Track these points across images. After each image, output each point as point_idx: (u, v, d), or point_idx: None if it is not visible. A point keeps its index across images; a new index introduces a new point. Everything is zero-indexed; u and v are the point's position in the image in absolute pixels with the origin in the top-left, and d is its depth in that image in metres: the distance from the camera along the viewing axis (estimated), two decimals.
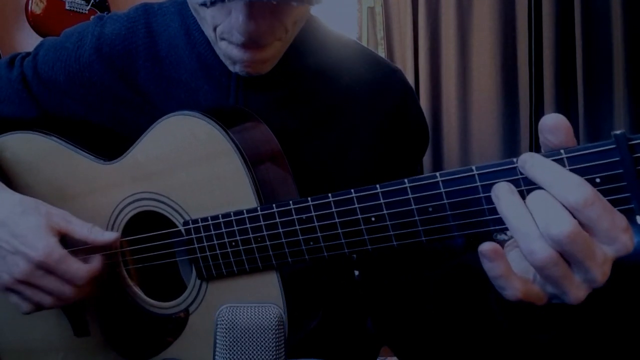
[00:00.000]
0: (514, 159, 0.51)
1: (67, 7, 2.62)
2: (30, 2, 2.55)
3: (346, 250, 0.61)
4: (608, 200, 0.47)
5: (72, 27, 0.90)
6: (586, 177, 0.48)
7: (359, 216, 0.59)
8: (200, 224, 0.71)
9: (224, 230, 0.68)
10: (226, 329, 0.55)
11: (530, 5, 2.92)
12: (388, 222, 0.58)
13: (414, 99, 0.90)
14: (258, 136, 0.74)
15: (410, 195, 0.56)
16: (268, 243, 0.66)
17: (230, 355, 0.55)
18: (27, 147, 0.86)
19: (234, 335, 0.55)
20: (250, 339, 0.55)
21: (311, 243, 0.63)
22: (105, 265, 0.78)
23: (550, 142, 0.50)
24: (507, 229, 0.51)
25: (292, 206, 0.63)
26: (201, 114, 0.71)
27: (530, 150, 2.92)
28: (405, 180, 0.56)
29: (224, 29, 0.70)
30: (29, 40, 2.63)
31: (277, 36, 0.72)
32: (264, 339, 0.54)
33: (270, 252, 0.66)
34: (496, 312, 0.62)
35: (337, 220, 0.61)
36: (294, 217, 0.63)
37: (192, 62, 0.83)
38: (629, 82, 2.72)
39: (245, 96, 0.81)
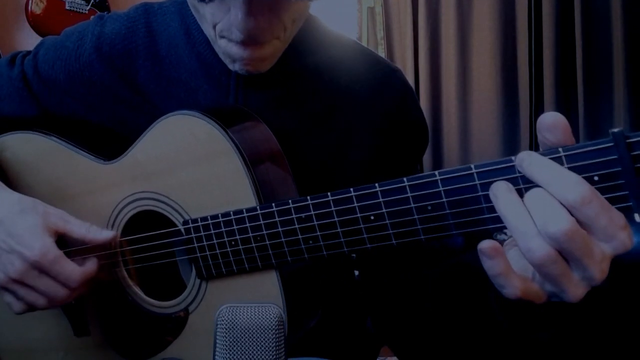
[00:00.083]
0: (513, 158, 0.51)
1: (67, 7, 2.62)
2: (30, 2, 2.55)
3: (345, 249, 0.61)
4: (606, 198, 0.47)
5: (72, 26, 0.90)
6: (584, 175, 0.48)
7: (358, 215, 0.59)
8: (199, 224, 0.71)
9: (223, 229, 0.69)
10: (226, 329, 0.55)
11: (530, 5, 2.93)
12: (387, 221, 0.58)
13: (413, 99, 0.90)
14: (257, 136, 0.74)
15: (409, 194, 0.56)
16: (267, 242, 0.66)
17: (230, 355, 0.55)
18: (27, 147, 0.86)
19: (234, 335, 0.55)
20: (250, 339, 0.55)
21: (310, 242, 0.63)
22: (104, 266, 0.79)
23: (549, 140, 0.50)
24: (506, 227, 0.51)
25: (291, 205, 0.63)
26: (201, 113, 0.71)
27: (530, 149, 2.92)
28: (404, 179, 0.56)
29: (223, 27, 0.70)
30: (29, 40, 2.64)
31: (276, 34, 0.72)
32: (264, 339, 0.54)
33: (270, 252, 0.66)
34: (495, 311, 0.62)
35: (336, 219, 0.61)
36: (293, 216, 0.63)
37: (192, 61, 0.83)
38: (629, 82, 2.72)
39: (244, 95, 0.81)
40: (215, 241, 0.70)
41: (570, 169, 0.48)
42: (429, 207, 0.55)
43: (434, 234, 0.56)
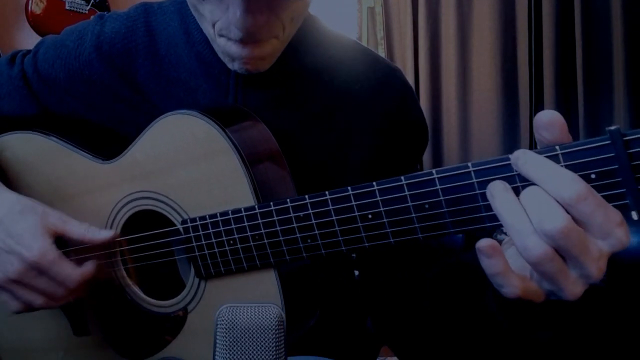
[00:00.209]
0: (510, 156, 0.51)
1: (67, 7, 2.62)
2: (30, 2, 2.55)
3: (343, 248, 0.61)
4: (603, 196, 0.47)
5: (72, 25, 0.90)
6: (581, 173, 0.48)
7: (356, 213, 0.59)
8: (198, 223, 0.71)
9: (222, 228, 0.69)
10: (226, 329, 0.55)
11: (530, 5, 2.92)
12: (385, 219, 0.58)
13: (413, 98, 0.90)
14: (256, 135, 0.74)
15: (406, 193, 0.56)
16: (266, 241, 0.66)
17: (230, 355, 0.55)
18: (26, 146, 0.86)
19: (234, 335, 0.55)
20: (250, 339, 0.55)
21: (309, 241, 0.63)
22: (103, 266, 0.79)
23: (545, 138, 0.50)
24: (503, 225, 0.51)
25: (289, 204, 0.63)
26: (199, 113, 0.71)
27: (530, 149, 2.92)
28: (402, 178, 0.56)
29: (222, 25, 0.71)
30: (29, 40, 2.64)
31: (275, 33, 0.72)
32: (264, 339, 0.54)
33: (268, 250, 0.66)
34: (494, 310, 0.62)
35: (334, 217, 0.61)
36: (292, 215, 0.63)
37: (191, 60, 0.83)
38: (629, 82, 2.72)
39: (244, 95, 0.81)
40: (213, 240, 0.70)
41: (567, 166, 0.48)
42: (427, 206, 0.55)
43: (432, 232, 0.56)
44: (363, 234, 0.60)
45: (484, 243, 0.50)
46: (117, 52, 0.84)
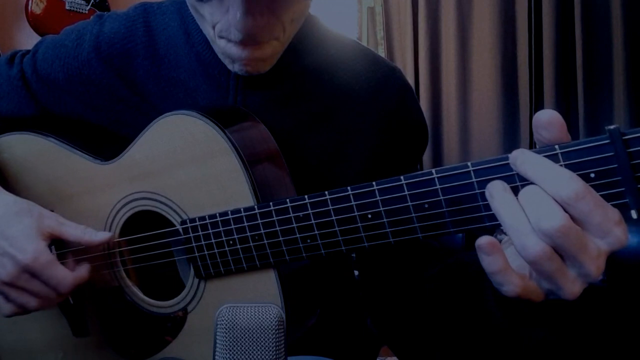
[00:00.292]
0: (509, 155, 0.51)
1: (67, 7, 2.62)
2: (30, 2, 2.56)
3: (343, 248, 0.61)
4: (603, 195, 0.47)
5: (71, 25, 0.90)
6: (581, 172, 0.48)
7: (356, 213, 0.59)
8: (197, 223, 0.71)
9: (221, 229, 0.69)
10: (226, 329, 0.55)
11: (530, 5, 2.93)
12: (384, 219, 0.58)
13: (413, 98, 0.90)
14: (255, 135, 0.74)
15: (406, 192, 0.56)
16: (265, 241, 0.66)
17: (230, 355, 0.54)
18: (25, 147, 0.86)
19: (234, 335, 0.55)
20: (251, 339, 0.54)
21: (308, 241, 0.63)
22: (102, 266, 0.79)
23: (544, 137, 0.50)
24: None
25: (289, 204, 0.63)
26: (198, 113, 0.71)
27: (530, 149, 2.92)
28: (401, 177, 0.56)
29: (222, 27, 0.70)
30: (29, 40, 2.64)
31: (275, 34, 0.72)
32: (264, 339, 0.54)
33: (268, 251, 0.66)
34: (494, 310, 0.62)
35: (333, 217, 0.61)
36: (291, 215, 0.63)
37: (191, 61, 0.83)
38: (629, 82, 2.72)
39: (244, 96, 0.81)
40: (213, 241, 0.70)
41: (566, 166, 0.48)
42: (426, 205, 0.55)
43: (432, 232, 0.56)
44: (363, 234, 0.60)
45: (483, 240, 0.50)
46: (116, 53, 0.84)
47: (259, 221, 0.66)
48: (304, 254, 0.64)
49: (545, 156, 0.49)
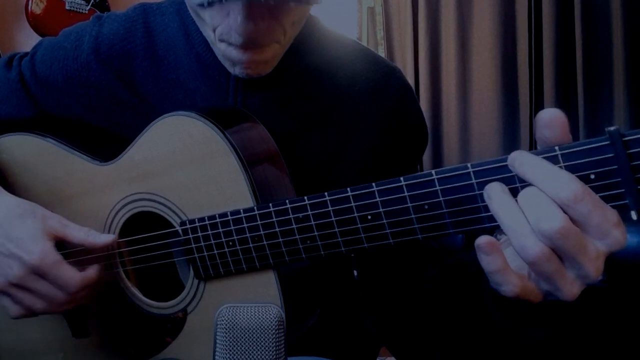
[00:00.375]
0: (508, 157, 0.51)
1: (67, 7, 2.62)
2: (30, 2, 2.55)
3: (343, 249, 0.61)
4: (603, 196, 0.47)
5: (70, 27, 0.90)
6: (581, 173, 0.48)
7: (355, 214, 0.59)
8: (197, 224, 0.71)
9: (220, 230, 0.69)
10: (226, 329, 0.55)
11: (530, 5, 2.92)
12: (384, 220, 0.58)
13: (413, 98, 0.90)
14: (255, 136, 0.74)
15: (406, 193, 0.56)
16: (265, 242, 0.66)
17: (230, 355, 0.55)
18: (23, 148, 0.86)
19: (234, 335, 0.55)
20: (250, 339, 0.55)
21: (308, 242, 0.63)
22: (103, 269, 0.78)
23: (546, 137, 0.50)
24: None
25: (288, 205, 0.63)
26: (197, 114, 0.71)
27: (530, 149, 2.92)
28: (401, 179, 0.56)
29: (223, 30, 0.70)
30: (29, 41, 2.64)
31: (276, 37, 0.71)
32: (264, 339, 0.54)
33: (268, 251, 0.66)
34: (494, 310, 0.62)
35: (333, 218, 0.61)
36: (291, 216, 0.63)
37: (191, 62, 0.83)
38: (629, 82, 2.72)
39: (243, 97, 0.81)
40: (212, 242, 0.70)
41: (566, 167, 0.48)
42: (426, 207, 0.55)
43: (431, 233, 0.56)
44: (362, 235, 0.59)
45: (482, 240, 0.51)
46: (115, 54, 0.84)
47: (259, 222, 0.66)
48: (303, 255, 0.64)
49: (545, 157, 0.49)
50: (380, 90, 0.85)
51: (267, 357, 0.54)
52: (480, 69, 3.04)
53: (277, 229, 0.65)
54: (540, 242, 0.48)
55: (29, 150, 0.85)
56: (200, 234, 0.70)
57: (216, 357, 0.55)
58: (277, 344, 0.55)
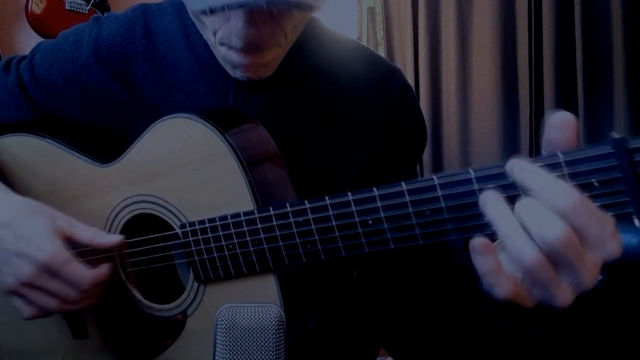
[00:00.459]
0: (506, 164, 0.51)
1: (67, 7, 2.62)
2: (30, 2, 2.55)
3: (343, 253, 0.61)
4: (606, 204, 0.47)
5: (68, 29, 0.89)
6: (584, 180, 0.48)
7: (356, 219, 0.59)
8: (197, 227, 0.70)
9: (221, 233, 0.68)
10: (226, 329, 0.55)
11: (530, 5, 2.92)
12: (385, 225, 0.58)
13: (412, 98, 0.90)
14: (255, 138, 0.74)
15: (407, 199, 0.56)
16: (265, 246, 0.66)
17: (230, 355, 0.55)
18: (23, 149, 0.86)
19: (234, 335, 0.55)
20: (250, 339, 0.55)
21: (308, 246, 0.63)
22: (113, 267, 0.78)
23: (555, 137, 0.50)
24: None
25: (289, 209, 0.63)
26: (198, 116, 0.71)
27: (530, 150, 2.92)
28: (403, 184, 0.56)
29: (224, 34, 0.70)
30: (29, 41, 2.63)
31: (277, 41, 0.71)
32: (264, 339, 0.55)
33: (268, 255, 0.66)
34: (484, 313, 0.62)
35: (334, 223, 0.60)
36: (291, 220, 0.63)
37: (191, 63, 0.83)
38: (629, 82, 2.72)
39: (244, 99, 0.81)
40: (212, 245, 0.69)
41: (570, 174, 0.48)
42: (427, 212, 0.55)
43: (433, 238, 0.56)
44: (363, 240, 0.59)
45: (477, 241, 0.51)
46: (115, 56, 0.84)
47: (259, 226, 0.65)
48: (303, 259, 0.64)
49: (548, 164, 0.49)
50: (380, 90, 0.85)
51: (267, 357, 0.54)
52: (480, 69, 3.03)
53: (277, 233, 0.64)
54: (537, 249, 0.48)
55: (29, 151, 0.85)
56: (200, 236, 0.70)
57: (216, 357, 0.56)
58: (277, 343, 0.55)
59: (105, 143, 0.85)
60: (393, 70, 0.89)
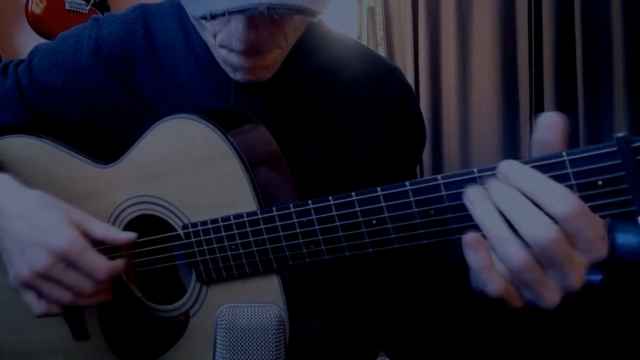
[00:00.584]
0: (497, 165, 0.51)
1: (67, 7, 2.62)
2: (30, 2, 2.55)
3: (347, 253, 0.61)
4: (610, 202, 0.48)
5: (67, 30, 0.89)
6: (588, 179, 0.48)
7: (360, 219, 0.59)
8: (199, 228, 0.70)
9: (223, 233, 0.68)
10: (226, 329, 0.55)
11: (530, 5, 2.92)
12: (389, 225, 0.58)
13: (412, 98, 0.90)
14: (257, 138, 0.74)
15: (411, 198, 0.56)
16: (268, 246, 0.66)
17: (230, 355, 0.55)
18: (23, 150, 0.85)
19: (234, 335, 0.55)
20: (250, 339, 0.55)
21: (312, 246, 0.63)
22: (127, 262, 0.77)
23: (547, 137, 0.51)
24: None
25: (292, 209, 0.63)
26: (199, 117, 0.71)
27: (530, 150, 2.92)
28: (406, 183, 0.56)
29: (224, 37, 0.69)
30: (29, 41, 2.63)
31: (278, 43, 0.71)
32: (263, 339, 0.55)
33: (271, 256, 0.66)
34: (480, 313, 0.63)
35: (338, 223, 0.60)
36: (295, 220, 0.63)
37: (191, 64, 0.82)
38: (629, 82, 2.72)
39: (244, 99, 0.81)
40: (215, 245, 0.69)
41: (574, 173, 0.48)
42: (432, 211, 0.55)
43: (437, 238, 0.56)
44: (367, 240, 0.59)
45: (470, 237, 0.51)
46: (116, 57, 0.83)
47: (262, 226, 0.65)
48: (307, 260, 0.64)
49: (552, 163, 0.49)
50: (380, 89, 0.85)
51: (267, 357, 0.54)
52: (480, 69, 3.04)
53: (280, 233, 0.64)
54: (525, 250, 0.49)
55: (29, 152, 0.85)
56: (202, 237, 0.70)
57: (216, 357, 0.56)
58: (277, 344, 0.55)
59: (105, 144, 0.84)
60: (393, 70, 0.89)
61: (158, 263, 0.77)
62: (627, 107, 2.73)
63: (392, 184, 0.57)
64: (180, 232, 0.72)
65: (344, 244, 0.61)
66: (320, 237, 0.62)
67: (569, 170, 0.48)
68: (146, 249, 0.77)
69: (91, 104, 0.85)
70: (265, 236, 0.65)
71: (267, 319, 0.55)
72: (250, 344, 0.55)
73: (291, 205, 0.63)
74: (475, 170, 0.52)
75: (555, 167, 0.49)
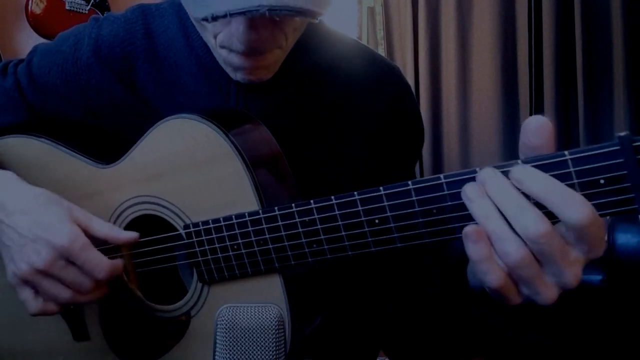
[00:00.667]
0: (518, 161, 0.51)
1: (67, 7, 2.62)
2: (30, 2, 2.55)
3: (350, 253, 0.61)
4: (612, 201, 0.48)
5: (66, 30, 0.89)
6: (590, 178, 0.48)
7: (363, 218, 0.59)
8: (201, 228, 0.70)
9: (225, 233, 0.68)
10: (226, 329, 0.55)
11: (530, 5, 2.93)
12: (392, 224, 0.58)
13: (411, 97, 0.90)
14: (258, 138, 0.74)
15: (414, 198, 0.56)
16: (270, 246, 0.65)
17: (230, 355, 0.55)
18: (23, 150, 0.85)
19: (234, 335, 0.55)
20: (250, 339, 0.55)
21: (314, 245, 0.63)
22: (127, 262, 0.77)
23: (533, 143, 0.51)
24: None
25: (294, 209, 0.63)
26: (200, 116, 0.71)
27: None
28: (409, 183, 0.56)
29: (224, 38, 0.69)
30: (29, 41, 2.63)
31: (278, 43, 0.71)
32: (263, 339, 0.54)
33: (273, 255, 0.66)
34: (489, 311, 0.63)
35: (340, 222, 0.60)
36: (297, 220, 0.63)
37: (191, 64, 0.82)
38: (629, 82, 2.72)
39: (245, 99, 0.81)
40: (217, 245, 0.69)
41: (576, 172, 0.49)
42: (435, 211, 0.55)
43: (439, 237, 0.56)
44: (370, 239, 0.59)
45: (470, 228, 0.52)
46: (116, 57, 0.83)
47: (264, 226, 0.65)
48: (309, 259, 0.64)
49: (555, 162, 0.49)
50: (379, 88, 0.86)
51: (267, 357, 0.54)
52: (480, 69, 3.04)
53: (282, 233, 0.64)
54: (523, 246, 0.49)
55: (29, 152, 0.85)
56: (204, 237, 0.70)
57: (216, 356, 0.56)
58: (277, 343, 0.55)
59: (105, 144, 0.84)
60: (392, 69, 0.89)
61: (159, 263, 0.77)
62: (627, 107, 2.73)
63: (394, 184, 0.57)
64: (182, 231, 0.72)
65: (347, 243, 0.61)
66: (322, 237, 0.62)
67: (572, 169, 0.49)
68: (147, 249, 0.77)
69: (91, 104, 0.85)
70: (268, 236, 0.65)
71: (267, 319, 0.55)
72: (250, 344, 0.55)
73: (293, 205, 0.63)
74: (477, 169, 0.53)
75: (557, 165, 0.49)
